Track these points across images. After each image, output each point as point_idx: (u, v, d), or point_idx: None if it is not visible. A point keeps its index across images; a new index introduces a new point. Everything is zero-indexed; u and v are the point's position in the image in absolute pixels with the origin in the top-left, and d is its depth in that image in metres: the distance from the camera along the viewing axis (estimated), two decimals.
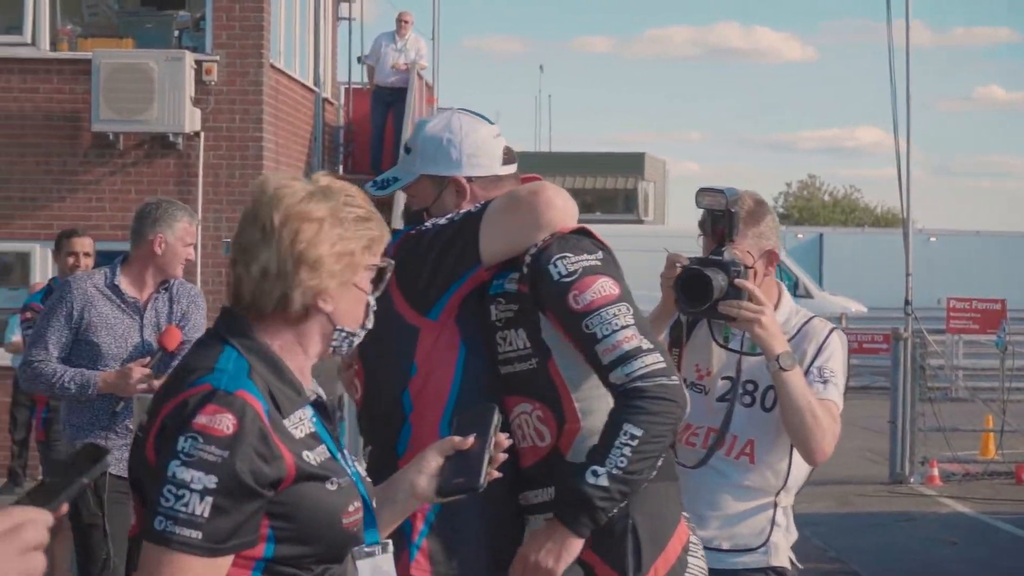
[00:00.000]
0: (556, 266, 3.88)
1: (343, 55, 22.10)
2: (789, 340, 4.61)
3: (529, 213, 3.95)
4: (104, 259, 8.00)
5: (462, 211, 4.05)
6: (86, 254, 9.07)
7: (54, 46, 16.68)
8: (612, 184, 54.70)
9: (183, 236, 7.04)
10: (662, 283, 4.62)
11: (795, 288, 27.14)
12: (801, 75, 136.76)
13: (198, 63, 16.21)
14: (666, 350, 3.97)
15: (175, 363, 6.45)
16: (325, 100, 20.46)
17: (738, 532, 4.70)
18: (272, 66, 16.98)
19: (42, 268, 16.09)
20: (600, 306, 3.83)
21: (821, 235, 40.43)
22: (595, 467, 3.76)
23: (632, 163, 54.63)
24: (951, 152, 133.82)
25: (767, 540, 4.70)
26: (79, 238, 9.17)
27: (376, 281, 3.16)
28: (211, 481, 2.86)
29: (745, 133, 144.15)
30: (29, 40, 16.47)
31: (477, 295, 4.02)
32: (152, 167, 16.35)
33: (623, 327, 3.82)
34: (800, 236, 40.38)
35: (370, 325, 3.19)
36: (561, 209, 3.97)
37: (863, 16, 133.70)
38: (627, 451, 3.74)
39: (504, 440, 3.34)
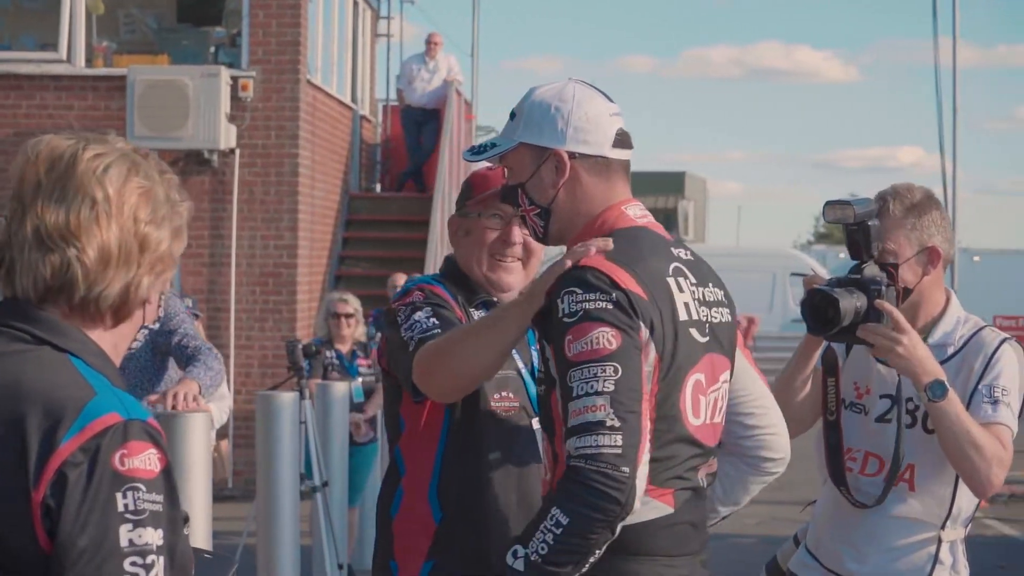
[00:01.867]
0: (564, 300, 3.39)
1: (381, 72, 22.00)
2: (954, 354, 4.28)
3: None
4: None
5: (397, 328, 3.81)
6: None
7: (89, 63, 16.58)
8: (652, 203, 54.58)
9: None
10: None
11: None
12: (843, 94, 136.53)
13: (234, 79, 16.07)
14: (639, 431, 3.32)
15: None
16: (363, 117, 20.33)
17: (895, 569, 4.30)
18: (309, 82, 16.83)
19: None
20: (586, 360, 3.31)
21: None
22: (517, 546, 3.32)
23: (672, 182, 54.54)
24: (995, 171, 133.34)
25: None
26: None
27: None
28: (160, 536, 2.33)
29: (786, 152, 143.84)
30: (64, 57, 16.36)
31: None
32: (187, 185, 16.16)
33: (597, 392, 3.29)
34: (842, 256, 40.08)
35: (159, 319, 2.67)
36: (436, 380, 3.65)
37: (905, 35, 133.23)
38: (550, 538, 3.26)
39: None
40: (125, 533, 2.28)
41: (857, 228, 4.18)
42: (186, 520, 2.52)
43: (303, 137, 16.45)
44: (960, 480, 4.23)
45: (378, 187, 20.69)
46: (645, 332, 3.38)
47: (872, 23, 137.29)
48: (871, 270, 4.19)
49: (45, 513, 2.28)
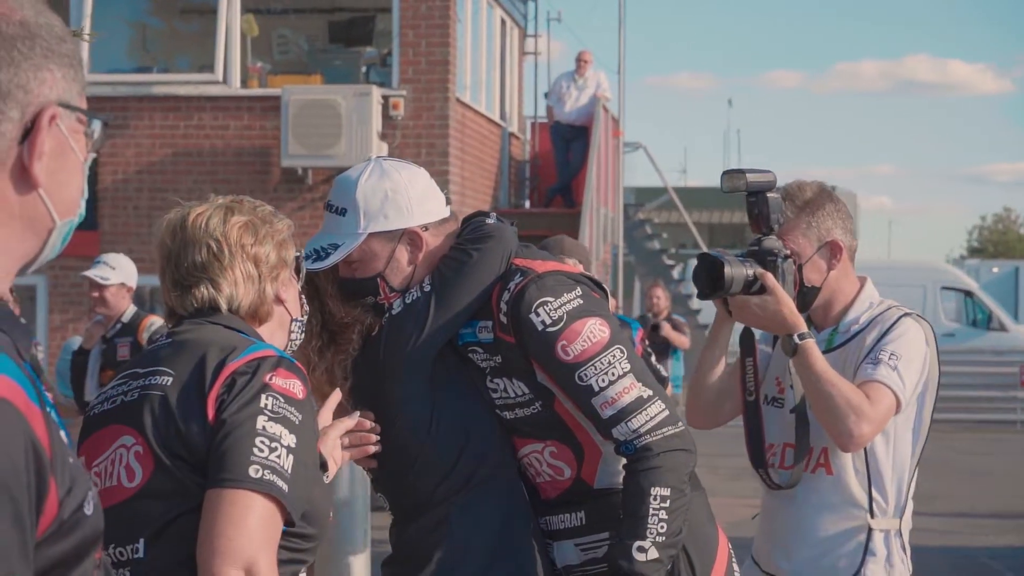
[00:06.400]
0: (538, 314, 3.64)
1: (529, 90, 22.17)
2: (855, 335, 4.16)
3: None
4: None
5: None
6: None
7: (244, 83, 16.93)
8: None
9: None
10: None
11: (989, 321, 26.66)
12: (995, 107, 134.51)
13: (385, 98, 16.32)
14: (665, 391, 3.72)
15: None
16: (511, 134, 20.50)
17: (824, 564, 4.14)
18: (458, 100, 17.03)
19: None
20: (593, 355, 3.62)
21: (1017, 268, 39.35)
22: (639, 543, 3.56)
23: None
24: None
25: (857, 573, 4.11)
26: None
27: (297, 270, 3.38)
28: (292, 440, 2.98)
29: (937, 166, 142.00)
30: (220, 78, 16.72)
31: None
32: None
33: (620, 376, 3.62)
34: (995, 270, 39.46)
35: (307, 311, 3.44)
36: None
37: None
38: (663, 515, 3.57)
39: None
40: (261, 421, 2.96)
41: (755, 199, 4.11)
42: (323, 465, 3.29)
43: (453, 154, 16.64)
44: (894, 463, 4.13)
45: (527, 203, 20.85)
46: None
47: None
48: (770, 243, 4.12)
49: (219, 405, 2.98)
